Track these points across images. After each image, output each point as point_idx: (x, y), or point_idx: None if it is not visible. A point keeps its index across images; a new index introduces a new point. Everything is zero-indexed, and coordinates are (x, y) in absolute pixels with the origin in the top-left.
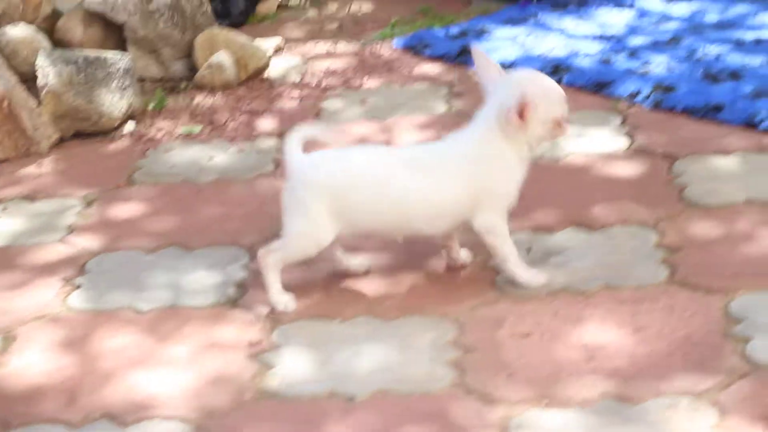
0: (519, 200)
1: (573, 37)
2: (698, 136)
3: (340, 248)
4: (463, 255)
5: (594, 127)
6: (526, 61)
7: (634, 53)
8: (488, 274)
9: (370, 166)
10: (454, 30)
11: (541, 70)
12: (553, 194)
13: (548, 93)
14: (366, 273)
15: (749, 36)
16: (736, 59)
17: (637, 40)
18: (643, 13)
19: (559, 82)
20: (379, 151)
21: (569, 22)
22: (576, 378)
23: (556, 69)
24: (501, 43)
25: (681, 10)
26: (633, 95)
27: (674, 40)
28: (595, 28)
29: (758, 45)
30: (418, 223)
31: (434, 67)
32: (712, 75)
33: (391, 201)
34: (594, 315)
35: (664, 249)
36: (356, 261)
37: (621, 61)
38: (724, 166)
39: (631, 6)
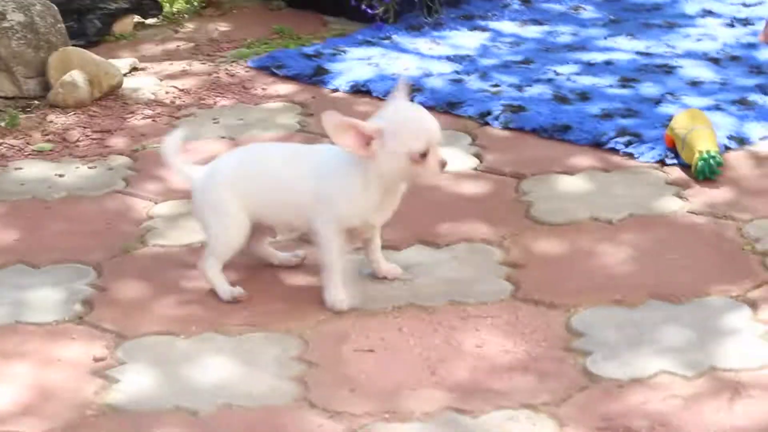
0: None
1: (426, 58)
2: (546, 156)
3: (267, 243)
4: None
5: (444, 146)
6: (380, 80)
7: (485, 74)
8: None
9: (258, 160)
10: (309, 50)
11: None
12: (401, 212)
13: (405, 126)
14: (299, 263)
15: (599, 58)
16: (586, 81)
17: (489, 62)
18: (496, 35)
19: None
20: (267, 146)
21: (423, 44)
22: (418, 392)
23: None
24: (355, 64)
25: (533, 32)
26: (483, 115)
27: (526, 61)
28: (448, 50)
29: (608, 66)
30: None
31: (288, 87)
32: (562, 96)
33: (269, 192)
34: (438, 330)
35: (508, 266)
36: (286, 254)
37: (473, 82)
38: (570, 185)
39: (485, 29)
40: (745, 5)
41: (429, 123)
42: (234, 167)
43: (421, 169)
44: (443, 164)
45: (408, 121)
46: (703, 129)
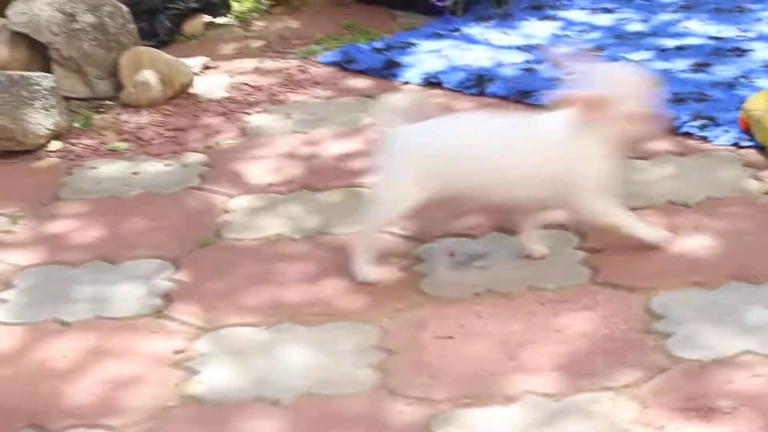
0: (442, 206)
1: (497, 48)
2: None
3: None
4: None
5: None
6: (451, 71)
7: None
8: (413, 278)
9: (464, 134)
10: (379, 44)
11: (466, 80)
12: None
13: (623, 88)
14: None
15: (671, 43)
16: (658, 66)
17: (561, 50)
18: (567, 24)
19: (482, 92)
20: (474, 119)
21: (493, 34)
22: (498, 377)
23: (480, 79)
24: (426, 56)
25: (604, 20)
26: None
27: (598, 49)
28: (519, 39)
29: (680, 51)
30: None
31: (360, 81)
32: None
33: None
34: (517, 316)
35: (585, 251)
36: (537, 246)
37: (544, 71)
38: (646, 169)
39: (555, 18)
40: None
41: (643, 80)
42: (431, 143)
43: (637, 128)
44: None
45: (625, 83)
46: None
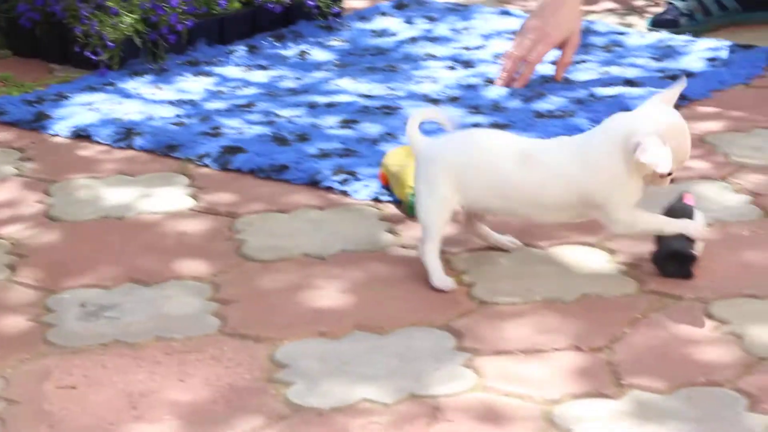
0: (77, 258)
1: (149, 103)
2: (262, 196)
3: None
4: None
5: (162, 187)
6: (101, 125)
7: (207, 118)
8: (40, 329)
9: (486, 149)
10: (31, 97)
11: (114, 134)
12: (115, 252)
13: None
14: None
15: (322, 100)
16: (306, 122)
17: (212, 106)
18: (223, 80)
19: (130, 146)
20: (500, 136)
21: (147, 89)
22: (117, 427)
23: (129, 133)
24: (78, 109)
25: (259, 76)
26: (201, 156)
27: (249, 105)
28: (172, 94)
29: (329, 108)
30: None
31: (6, 134)
32: (281, 137)
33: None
34: (142, 366)
35: (217, 302)
36: (505, 237)
37: (194, 125)
38: (284, 223)
39: (210, 74)
40: (466, 49)
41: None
42: (459, 153)
43: (659, 181)
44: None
45: (676, 142)
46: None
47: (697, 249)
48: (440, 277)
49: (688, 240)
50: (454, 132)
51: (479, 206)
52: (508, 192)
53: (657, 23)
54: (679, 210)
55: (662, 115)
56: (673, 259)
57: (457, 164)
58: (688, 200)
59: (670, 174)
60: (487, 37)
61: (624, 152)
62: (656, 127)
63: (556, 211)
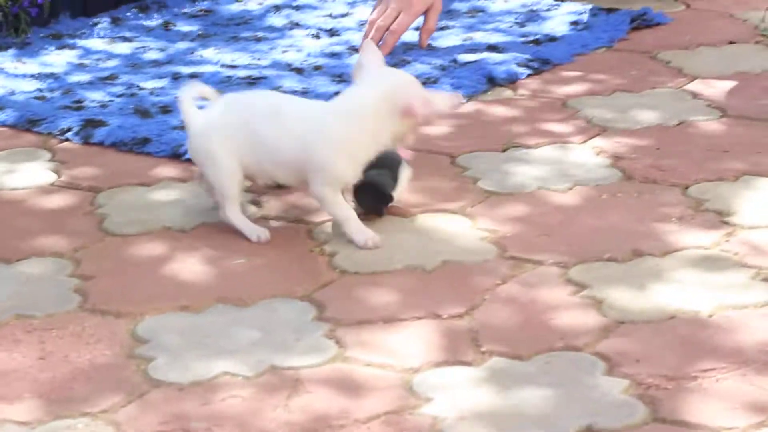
0: None
1: (11, 77)
2: (125, 169)
3: None
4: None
5: (24, 163)
6: None
7: (70, 91)
8: None
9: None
10: None
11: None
12: None
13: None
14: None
15: (186, 71)
16: (170, 94)
17: (75, 79)
18: (86, 52)
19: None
20: (262, 94)
21: (9, 63)
22: None
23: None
24: None
25: (122, 48)
26: (64, 131)
27: (111, 77)
28: (35, 68)
29: (193, 79)
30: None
31: None
32: (144, 110)
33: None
34: (1, 345)
35: (78, 278)
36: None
37: (56, 99)
38: (146, 197)
39: (73, 47)
40: (331, 17)
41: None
42: (225, 119)
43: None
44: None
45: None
46: None
47: (396, 192)
48: (252, 230)
49: (392, 180)
50: (218, 101)
51: (249, 171)
52: (258, 149)
53: None
54: (389, 158)
55: (403, 76)
56: (370, 192)
57: (230, 132)
58: (403, 153)
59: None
60: (352, 4)
61: (380, 118)
62: (411, 85)
63: (295, 172)
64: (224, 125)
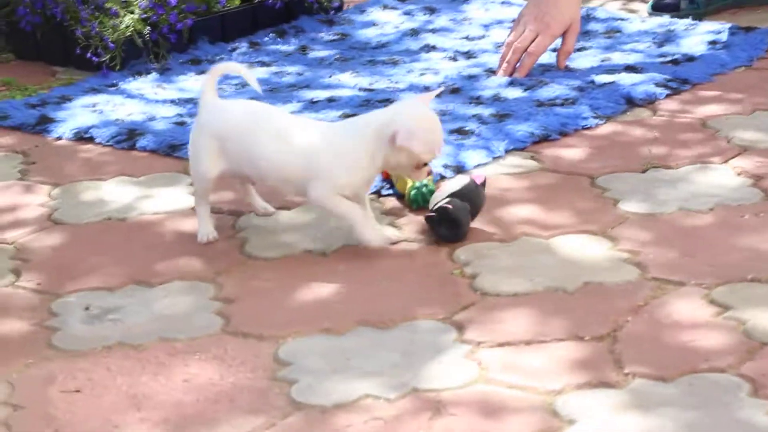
0: (80, 261)
1: (151, 103)
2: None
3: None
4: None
5: (164, 187)
6: (103, 126)
7: None
8: (44, 333)
9: (250, 118)
10: (34, 100)
11: (117, 134)
12: (118, 253)
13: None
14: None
15: (323, 95)
16: (311, 116)
17: None
18: (223, 78)
19: (133, 146)
20: (268, 109)
21: (149, 89)
22: (122, 429)
23: (131, 134)
24: (80, 111)
25: (260, 73)
26: None
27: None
28: (174, 93)
29: (330, 103)
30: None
31: (10, 138)
32: None
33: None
34: (146, 367)
35: (220, 301)
36: (261, 204)
37: None
38: (285, 220)
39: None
40: (467, 39)
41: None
42: (223, 121)
43: (415, 174)
44: (430, 173)
45: (425, 131)
46: None
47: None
48: (204, 232)
49: (470, 214)
50: (231, 101)
51: (238, 173)
52: (260, 163)
53: (658, 7)
54: (471, 191)
55: (414, 109)
56: (446, 223)
57: (220, 134)
58: (478, 179)
59: (426, 165)
60: (487, 26)
61: (376, 141)
62: (411, 118)
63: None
64: (224, 126)
